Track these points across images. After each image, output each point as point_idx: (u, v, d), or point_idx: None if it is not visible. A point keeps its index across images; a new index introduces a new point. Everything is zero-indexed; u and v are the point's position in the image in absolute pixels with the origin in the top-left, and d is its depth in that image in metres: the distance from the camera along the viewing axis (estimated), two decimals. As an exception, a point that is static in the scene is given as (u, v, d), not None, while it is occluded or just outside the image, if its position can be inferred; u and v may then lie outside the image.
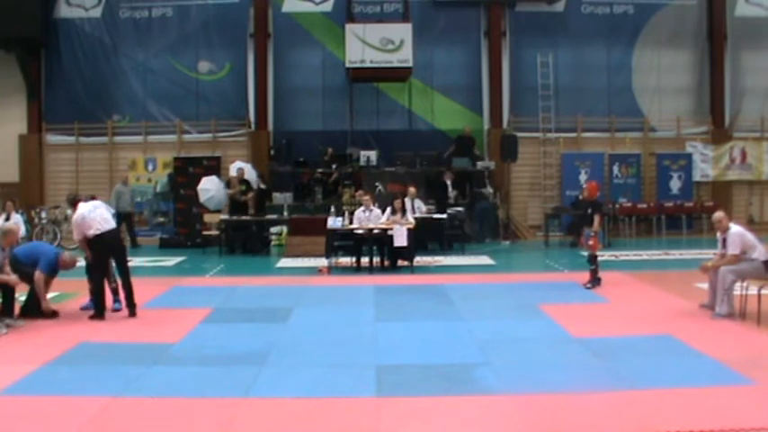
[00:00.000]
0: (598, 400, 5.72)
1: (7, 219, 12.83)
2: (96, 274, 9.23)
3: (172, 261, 15.10)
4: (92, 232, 9.11)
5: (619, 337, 7.77)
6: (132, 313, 9.12)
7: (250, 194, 16.66)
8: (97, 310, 9.08)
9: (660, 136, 20.44)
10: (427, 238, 15.86)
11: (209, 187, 17.24)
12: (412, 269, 13.24)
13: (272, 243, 17.27)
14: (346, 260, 13.99)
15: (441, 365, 6.76)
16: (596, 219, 10.81)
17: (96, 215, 9.22)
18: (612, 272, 12.64)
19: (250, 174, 17.48)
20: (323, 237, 14.03)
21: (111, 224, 9.31)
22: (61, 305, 9.84)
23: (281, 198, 17.61)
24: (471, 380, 6.31)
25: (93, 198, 9.79)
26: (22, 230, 12.59)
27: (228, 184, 17.15)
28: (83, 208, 9.32)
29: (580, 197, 11.30)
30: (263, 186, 17.56)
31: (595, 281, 10.84)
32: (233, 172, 17.38)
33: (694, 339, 7.47)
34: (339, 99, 20.00)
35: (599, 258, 11.04)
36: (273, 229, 17.36)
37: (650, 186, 20.11)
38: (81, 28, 19.89)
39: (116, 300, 9.45)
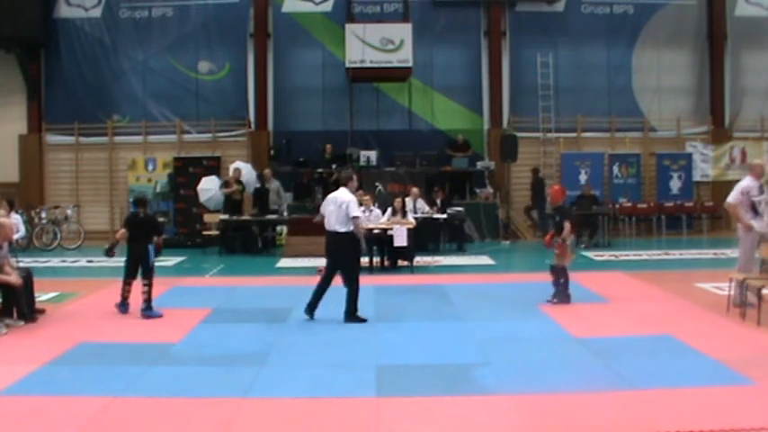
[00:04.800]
0: (598, 400, 5.72)
1: None
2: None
3: (172, 261, 15.09)
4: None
5: (619, 337, 7.77)
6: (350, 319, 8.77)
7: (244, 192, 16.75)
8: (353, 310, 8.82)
9: (660, 136, 20.43)
10: (428, 238, 15.84)
11: (210, 187, 17.22)
12: (412, 269, 13.24)
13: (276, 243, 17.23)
14: (346, 260, 13.95)
15: (441, 365, 6.76)
16: (566, 226, 9.52)
17: (326, 210, 8.95)
18: (612, 272, 12.66)
19: (249, 174, 17.44)
20: (323, 237, 13.96)
21: (331, 224, 8.82)
22: (61, 305, 9.85)
23: (284, 198, 17.62)
24: (471, 380, 6.31)
25: (337, 185, 9.14)
26: (21, 231, 12.57)
27: (226, 184, 17.15)
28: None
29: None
30: (258, 186, 17.52)
31: (563, 295, 9.64)
32: (233, 173, 17.35)
33: (694, 339, 7.47)
34: (339, 99, 19.99)
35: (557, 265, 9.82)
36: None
37: (650, 186, 20.10)
38: (81, 28, 19.87)
39: (123, 303, 9.37)
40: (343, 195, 8.86)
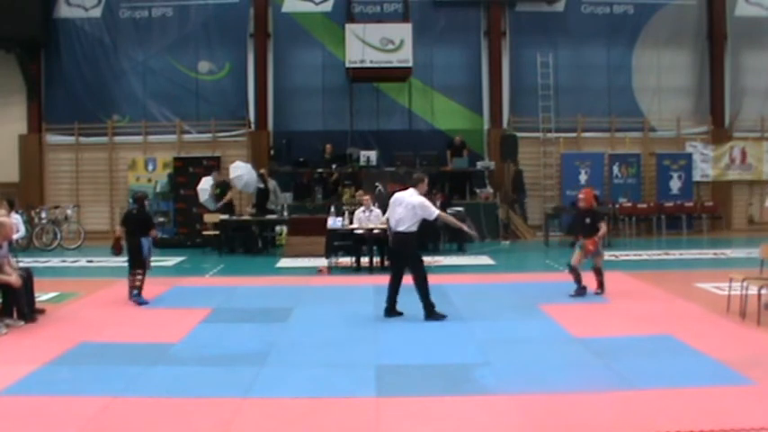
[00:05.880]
0: (598, 400, 5.72)
1: None
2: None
3: (172, 261, 15.09)
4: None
5: (619, 337, 7.77)
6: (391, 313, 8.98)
7: (228, 196, 16.80)
8: (429, 309, 8.83)
9: (660, 136, 20.44)
10: (428, 238, 15.81)
11: (209, 187, 17.22)
12: (412, 269, 13.20)
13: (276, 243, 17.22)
14: (346, 260, 13.98)
15: (441, 365, 6.76)
16: (603, 227, 10.25)
17: (392, 211, 8.92)
18: (612, 272, 12.63)
19: (249, 174, 17.42)
20: (323, 237, 14.03)
21: (398, 225, 8.78)
22: (61, 305, 9.85)
23: (281, 198, 17.61)
24: (471, 380, 6.31)
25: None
26: (21, 231, 12.56)
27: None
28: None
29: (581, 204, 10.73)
30: (261, 186, 17.52)
31: (601, 288, 10.29)
32: (232, 173, 17.34)
33: (694, 339, 7.46)
34: (339, 99, 20.01)
35: (577, 265, 10.21)
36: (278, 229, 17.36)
37: (650, 186, 20.11)
38: (81, 28, 19.90)
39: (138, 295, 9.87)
40: (411, 197, 8.81)
